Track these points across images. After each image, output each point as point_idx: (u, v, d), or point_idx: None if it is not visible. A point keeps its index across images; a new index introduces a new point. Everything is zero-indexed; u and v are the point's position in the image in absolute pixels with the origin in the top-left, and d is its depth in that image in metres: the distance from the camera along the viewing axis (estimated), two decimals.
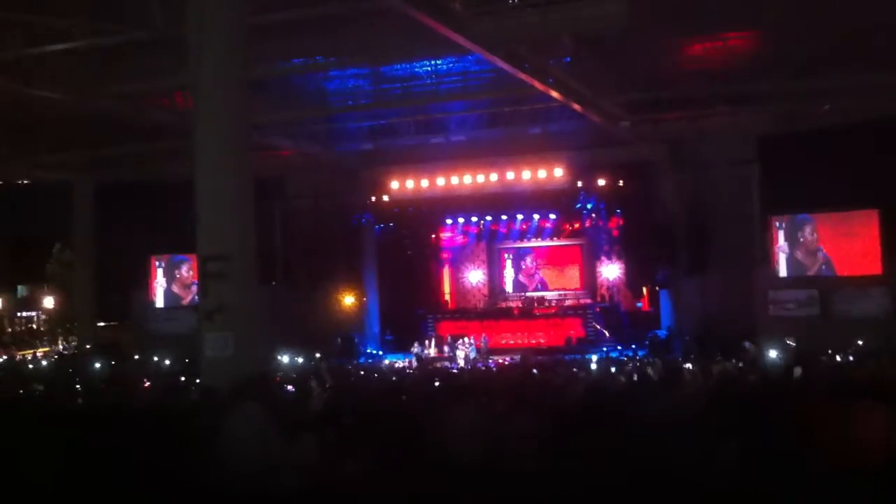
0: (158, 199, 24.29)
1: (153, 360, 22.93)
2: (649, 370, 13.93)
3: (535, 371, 12.89)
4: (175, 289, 28.24)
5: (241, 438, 6.68)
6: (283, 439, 6.60)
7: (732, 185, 23.57)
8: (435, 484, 5.18)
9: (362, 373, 17.96)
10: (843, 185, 21.69)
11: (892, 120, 20.92)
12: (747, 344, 18.82)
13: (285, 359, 21.69)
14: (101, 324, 30.44)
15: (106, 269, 28.84)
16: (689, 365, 14.82)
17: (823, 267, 23.03)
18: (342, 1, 14.42)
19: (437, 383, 11.21)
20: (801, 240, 23.28)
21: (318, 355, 23.07)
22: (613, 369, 15.98)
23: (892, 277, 22.04)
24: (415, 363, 22.78)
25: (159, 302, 28.33)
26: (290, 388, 9.85)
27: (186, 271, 27.47)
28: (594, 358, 19.40)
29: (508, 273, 30.05)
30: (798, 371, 10.91)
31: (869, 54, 17.94)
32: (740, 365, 15.72)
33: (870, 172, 21.26)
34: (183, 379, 15.47)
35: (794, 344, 18.89)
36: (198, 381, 11.56)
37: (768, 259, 23.53)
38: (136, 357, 24.27)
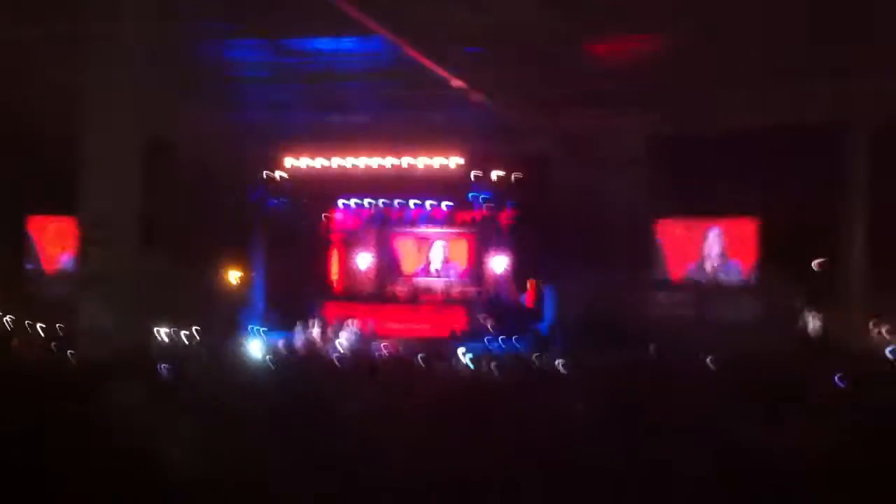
0: (38, 155, 23.30)
1: (25, 326, 22.09)
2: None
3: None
4: (52, 252, 27.31)
5: (116, 419, 6.46)
6: (162, 422, 6.40)
7: (624, 185, 24.06)
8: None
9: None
10: (727, 192, 22.45)
11: (779, 129, 21.71)
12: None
13: (164, 332, 21.19)
14: None
15: None
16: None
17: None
18: None
19: None
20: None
21: (196, 329, 22.57)
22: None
23: (762, 286, 22.95)
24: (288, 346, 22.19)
25: (33, 265, 27.38)
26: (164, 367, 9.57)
27: (64, 234, 26.51)
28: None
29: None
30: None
31: (765, 64, 18.57)
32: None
33: (753, 181, 22.09)
34: (55, 347, 14.96)
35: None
36: (70, 351, 11.18)
37: (652, 261, 24.20)
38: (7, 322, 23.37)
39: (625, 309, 23.31)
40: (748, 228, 23.60)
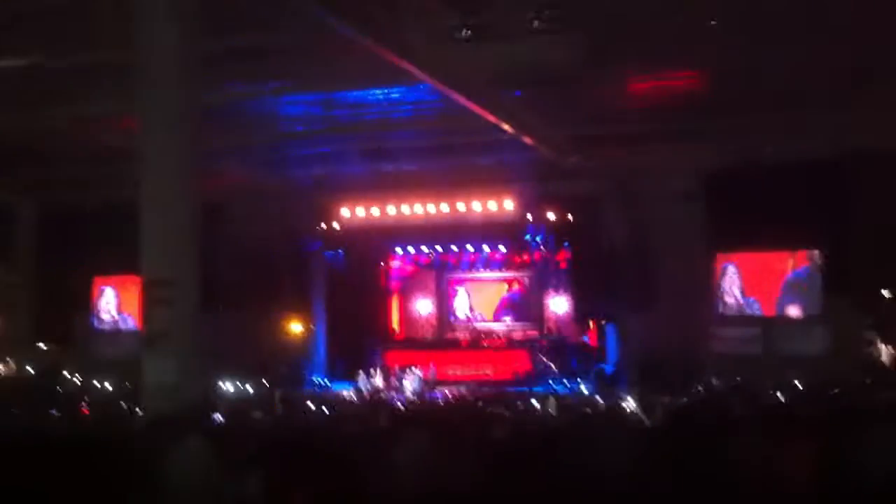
0: (104, 221, 23.97)
1: (94, 383, 22.56)
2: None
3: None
4: (118, 312, 27.90)
5: (181, 470, 6.55)
6: (226, 472, 6.47)
7: (679, 221, 23.86)
8: None
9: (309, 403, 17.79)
10: (786, 224, 22.11)
11: (835, 160, 21.39)
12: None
13: (230, 387, 21.50)
14: (43, 346, 29.87)
15: (50, 292, 28.39)
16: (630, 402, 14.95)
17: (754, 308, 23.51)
18: (295, 31, 14.38)
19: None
20: (732, 281, 23.80)
21: (264, 383, 22.83)
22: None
23: (830, 317, 22.47)
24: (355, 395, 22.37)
25: (101, 325, 27.99)
26: (220, 418, 9.69)
27: (130, 295, 27.10)
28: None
29: (458, 304, 29.95)
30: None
31: (816, 94, 18.38)
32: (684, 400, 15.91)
33: (813, 212, 21.77)
34: (124, 405, 15.28)
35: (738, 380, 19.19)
36: (138, 408, 11.40)
37: (712, 296, 23.87)
38: (77, 380, 23.88)
39: (689, 345, 23.01)
40: (812, 259, 23.19)
